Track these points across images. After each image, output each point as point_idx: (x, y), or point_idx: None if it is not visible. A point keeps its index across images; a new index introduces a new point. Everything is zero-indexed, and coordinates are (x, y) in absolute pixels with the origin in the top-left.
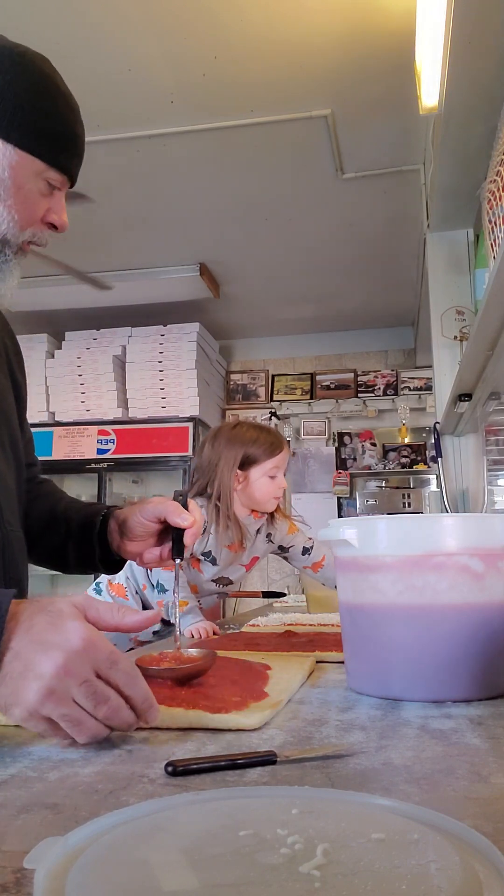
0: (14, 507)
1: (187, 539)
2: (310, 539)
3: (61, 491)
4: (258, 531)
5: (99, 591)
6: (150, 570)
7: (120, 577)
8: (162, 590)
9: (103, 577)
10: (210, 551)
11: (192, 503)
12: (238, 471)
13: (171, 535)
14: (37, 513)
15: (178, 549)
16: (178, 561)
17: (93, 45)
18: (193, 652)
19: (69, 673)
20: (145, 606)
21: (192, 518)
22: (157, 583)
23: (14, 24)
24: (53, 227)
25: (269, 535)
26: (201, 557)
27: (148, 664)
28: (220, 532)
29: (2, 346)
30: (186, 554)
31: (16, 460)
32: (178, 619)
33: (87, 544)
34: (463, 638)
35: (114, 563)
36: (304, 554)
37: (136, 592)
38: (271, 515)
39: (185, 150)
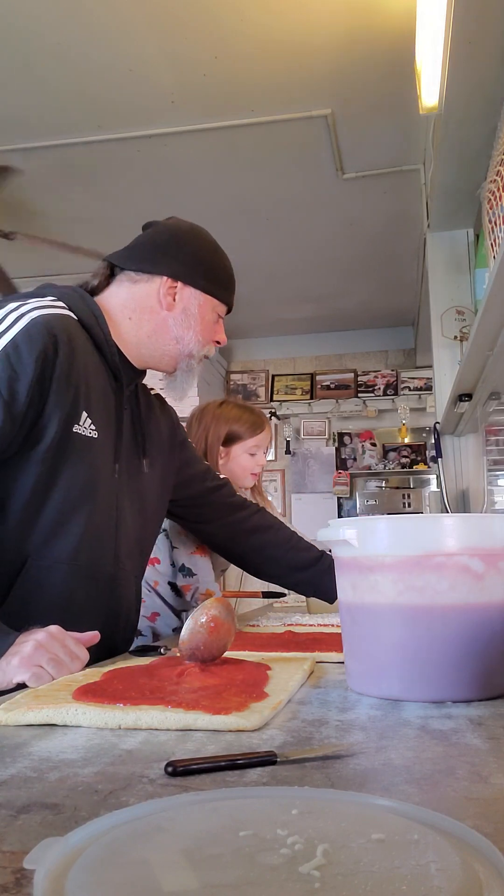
0: (133, 553)
1: None
2: (282, 515)
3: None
4: None
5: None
6: (162, 561)
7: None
8: (189, 574)
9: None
10: None
11: None
12: (221, 447)
13: None
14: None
15: None
16: None
17: (93, 45)
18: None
19: (41, 644)
20: (163, 604)
21: None
22: (183, 566)
23: (15, 24)
24: (218, 343)
25: (256, 491)
26: None
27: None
28: None
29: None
30: None
31: (151, 522)
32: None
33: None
34: (463, 638)
35: None
36: None
37: (151, 590)
38: (251, 491)
39: (185, 150)
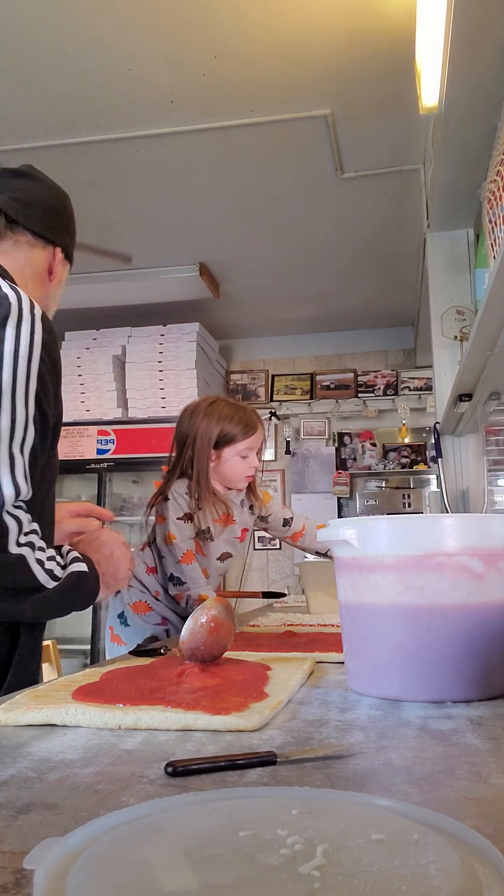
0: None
1: None
2: (285, 508)
3: None
4: (241, 503)
5: (125, 621)
6: (158, 571)
7: (135, 595)
8: (179, 582)
9: (124, 607)
10: (208, 528)
11: None
12: (212, 449)
13: None
14: None
15: None
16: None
17: (93, 44)
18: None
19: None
20: (169, 610)
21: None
22: (173, 576)
23: (15, 24)
24: None
25: (251, 507)
26: (201, 534)
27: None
28: (207, 508)
29: None
30: None
31: None
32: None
33: None
34: (463, 638)
35: None
36: (284, 526)
37: (157, 600)
38: (248, 489)
39: (185, 150)
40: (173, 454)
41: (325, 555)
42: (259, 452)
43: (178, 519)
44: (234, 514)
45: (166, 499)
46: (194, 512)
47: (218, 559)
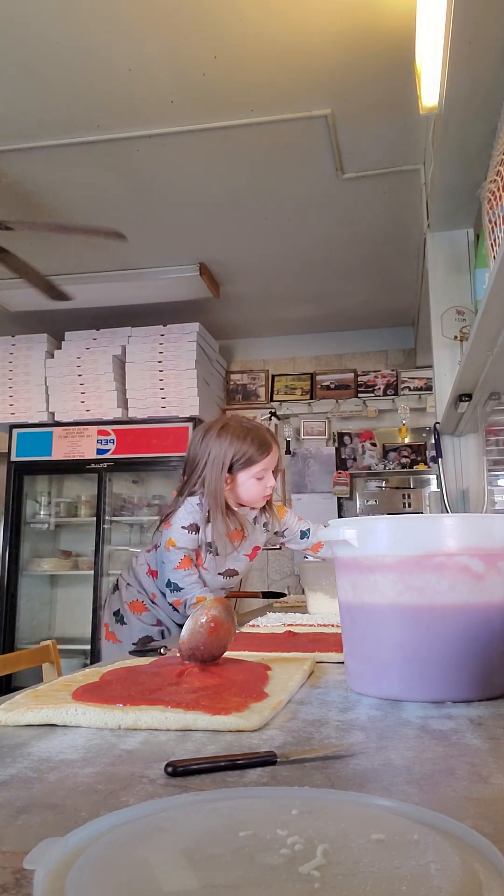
0: None
1: None
2: (301, 520)
3: None
4: (254, 520)
5: (121, 619)
6: (158, 575)
7: (133, 595)
8: (176, 588)
9: (122, 605)
10: (211, 542)
11: None
12: (227, 473)
13: None
14: None
15: None
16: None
17: (93, 44)
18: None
19: None
20: (163, 614)
21: None
22: (170, 582)
23: (14, 24)
24: None
25: (265, 525)
26: (205, 547)
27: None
28: (218, 524)
29: None
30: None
31: None
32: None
33: None
34: (463, 638)
35: None
36: (302, 538)
37: (153, 603)
38: (264, 509)
39: (185, 150)
40: (184, 477)
41: None
42: (275, 472)
43: (182, 527)
44: (248, 531)
45: (174, 511)
46: (202, 525)
47: (220, 574)
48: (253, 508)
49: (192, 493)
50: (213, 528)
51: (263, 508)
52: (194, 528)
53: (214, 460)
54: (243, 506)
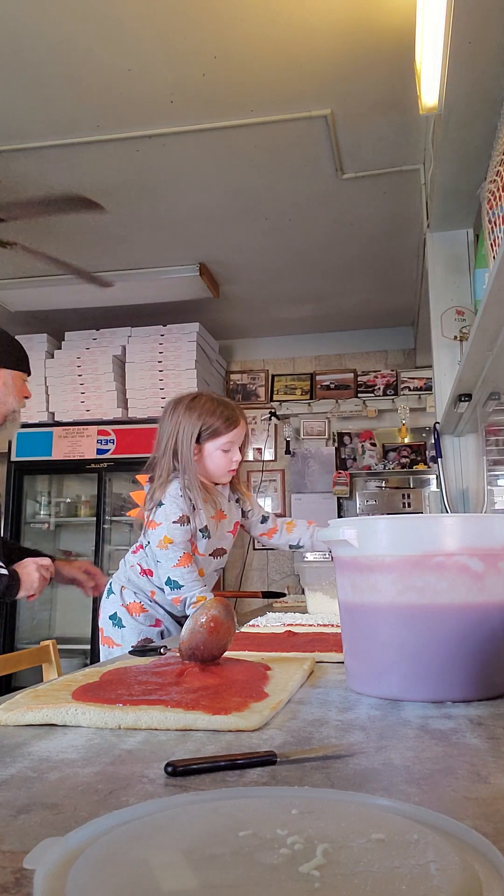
0: None
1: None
2: (261, 508)
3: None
4: (228, 498)
5: (118, 623)
6: (154, 574)
7: (130, 596)
8: (176, 586)
9: (118, 608)
10: (206, 526)
11: None
12: (195, 443)
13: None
14: None
15: None
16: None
17: (92, 44)
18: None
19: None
20: (163, 611)
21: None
22: (170, 580)
23: (14, 24)
24: (27, 397)
25: (238, 501)
26: (199, 534)
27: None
28: (203, 505)
29: None
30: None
31: None
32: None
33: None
34: (463, 638)
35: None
36: (262, 522)
37: (151, 602)
38: (232, 484)
39: (185, 150)
40: (157, 453)
41: (296, 546)
42: (242, 448)
43: (174, 522)
44: (225, 508)
45: (161, 504)
46: (191, 513)
47: (211, 555)
48: (218, 484)
49: (168, 481)
50: (201, 510)
51: (233, 486)
52: (185, 520)
53: (185, 430)
54: (214, 484)
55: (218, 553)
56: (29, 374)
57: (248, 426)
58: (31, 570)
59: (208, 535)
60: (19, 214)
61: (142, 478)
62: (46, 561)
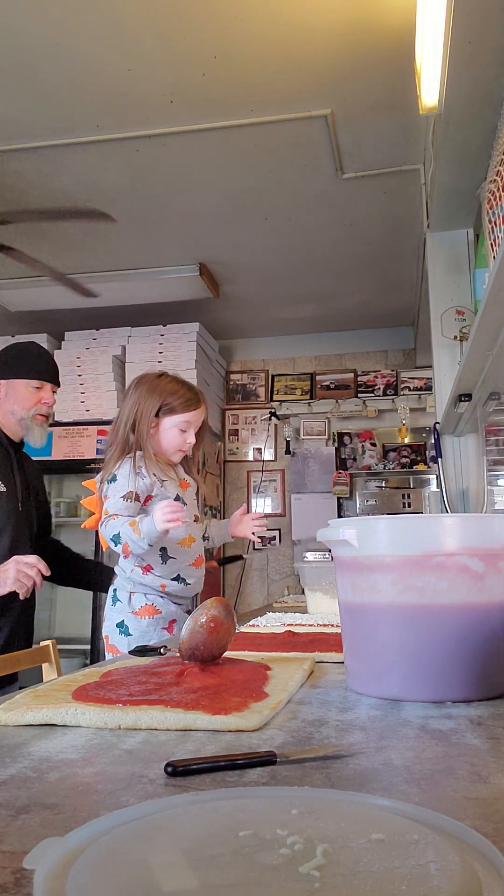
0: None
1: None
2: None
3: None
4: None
5: (125, 630)
6: (152, 568)
7: (140, 600)
8: (118, 538)
9: (125, 616)
10: (178, 495)
11: None
12: (153, 417)
13: None
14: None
15: None
16: None
17: (92, 44)
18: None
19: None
20: (174, 605)
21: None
22: (115, 536)
23: (14, 24)
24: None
25: (186, 469)
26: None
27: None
28: (165, 477)
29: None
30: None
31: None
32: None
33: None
34: (463, 638)
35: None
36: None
37: (163, 596)
38: (183, 464)
39: (185, 150)
40: (113, 432)
41: (205, 537)
42: (200, 434)
43: (121, 497)
44: (185, 478)
45: (114, 478)
46: (149, 489)
47: (194, 522)
48: (168, 463)
49: (122, 458)
50: (167, 482)
51: (185, 464)
52: (133, 496)
53: (147, 402)
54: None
55: (195, 519)
56: (42, 380)
57: (207, 413)
58: (7, 568)
59: (184, 503)
60: (26, 220)
61: (90, 483)
62: (32, 559)
